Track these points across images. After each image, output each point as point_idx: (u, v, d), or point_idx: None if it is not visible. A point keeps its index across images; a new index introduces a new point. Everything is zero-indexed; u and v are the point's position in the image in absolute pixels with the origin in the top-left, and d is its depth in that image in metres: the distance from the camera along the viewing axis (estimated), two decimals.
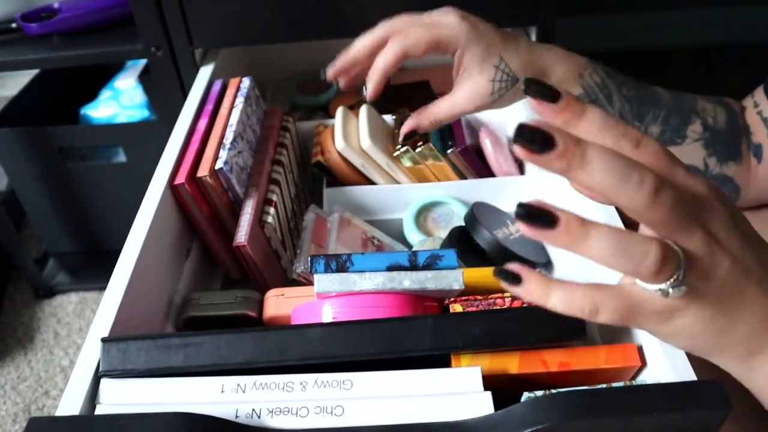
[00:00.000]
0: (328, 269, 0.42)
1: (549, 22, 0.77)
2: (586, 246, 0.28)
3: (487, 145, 0.73)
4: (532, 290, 0.31)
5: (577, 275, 0.57)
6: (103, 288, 0.45)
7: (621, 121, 0.31)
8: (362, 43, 0.58)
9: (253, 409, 0.35)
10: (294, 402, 0.36)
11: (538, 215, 0.28)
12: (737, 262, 0.31)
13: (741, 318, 0.32)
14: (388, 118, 0.77)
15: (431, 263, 0.42)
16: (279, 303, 0.52)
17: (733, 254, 0.31)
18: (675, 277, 0.29)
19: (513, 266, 0.32)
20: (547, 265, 0.65)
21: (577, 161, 0.27)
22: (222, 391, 0.37)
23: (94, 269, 1.23)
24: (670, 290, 0.30)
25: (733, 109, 0.61)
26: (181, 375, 0.38)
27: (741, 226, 0.32)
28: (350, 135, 0.71)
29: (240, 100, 0.66)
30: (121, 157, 1.06)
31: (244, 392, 0.37)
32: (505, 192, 0.73)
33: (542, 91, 0.30)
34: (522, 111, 0.70)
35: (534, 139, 0.27)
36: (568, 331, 0.39)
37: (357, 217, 0.64)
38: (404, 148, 0.70)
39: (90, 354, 0.40)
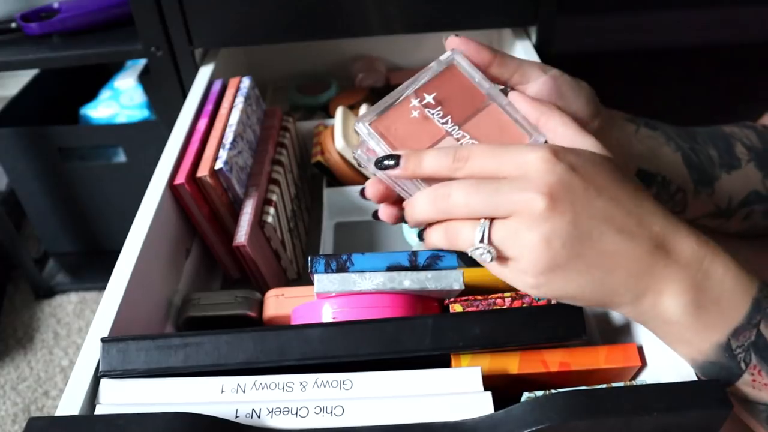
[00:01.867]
0: (328, 269, 0.42)
1: (549, 22, 0.77)
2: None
3: None
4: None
5: None
6: (102, 288, 0.45)
7: (450, 150, 0.37)
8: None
9: (253, 409, 0.35)
10: (294, 402, 0.36)
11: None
12: (581, 216, 0.33)
13: (611, 267, 0.34)
14: None
15: (431, 263, 0.42)
16: (279, 303, 0.52)
17: (574, 211, 0.33)
18: (479, 239, 0.35)
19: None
20: None
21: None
22: (222, 391, 0.37)
23: (94, 269, 1.23)
24: (481, 252, 0.35)
25: (758, 129, 0.60)
26: (181, 375, 0.38)
27: (587, 179, 0.34)
28: (350, 135, 0.71)
29: (240, 100, 0.66)
30: (121, 157, 1.06)
31: (244, 392, 0.37)
32: None
33: (390, 162, 0.39)
34: None
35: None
36: (568, 331, 0.39)
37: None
38: None
39: (90, 354, 0.40)
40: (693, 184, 0.54)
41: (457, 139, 0.40)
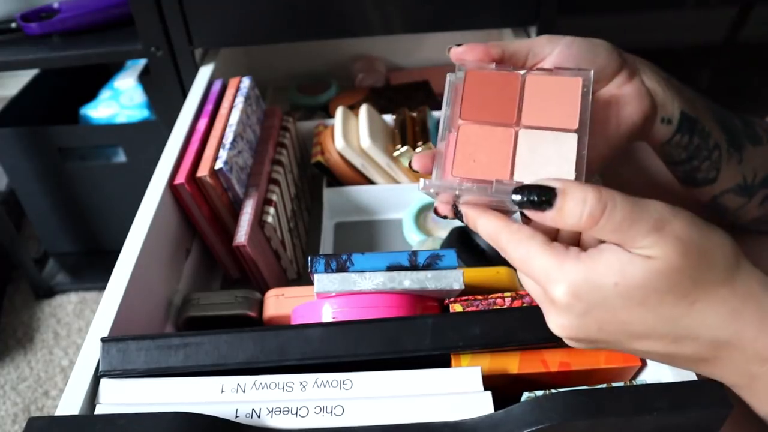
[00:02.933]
0: (328, 269, 0.42)
1: (549, 22, 0.77)
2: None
3: None
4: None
5: None
6: (102, 288, 0.45)
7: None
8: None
9: (253, 409, 0.35)
10: (294, 402, 0.36)
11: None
12: (604, 332, 0.32)
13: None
14: (388, 118, 0.77)
15: (431, 263, 0.42)
16: (279, 303, 0.52)
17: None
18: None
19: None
20: None
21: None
22: (222, 391, 0.37)
23: (93, 269, 1.23)
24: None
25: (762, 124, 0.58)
26: (181, 375, 0.38)
27: (602, 326, 0.32)
28: (350, 135, 0.71)
29: (240, 100, 0.66)
30: (121, 157, 1.06)
31: (244, 392, 0.37)
32: None
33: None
34: None
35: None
36: None
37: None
38: (404, 148, 0.70)
39: (90, 354, 0.40)
40: (726, 144, 0.50)
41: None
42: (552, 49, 0.41)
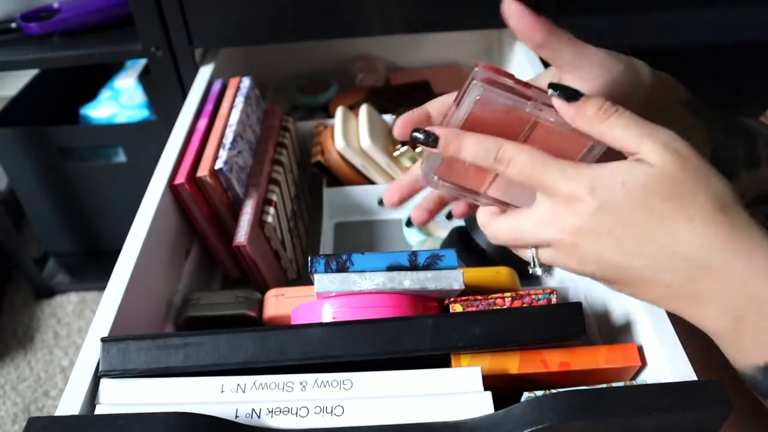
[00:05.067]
0: (328, 269, 0.42)
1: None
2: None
3: None
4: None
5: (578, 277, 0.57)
6: (102, 288, 0.45)
7: (489, 152, 0.37)
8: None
9: (253, 409, 0.35)
10: (294, 402, 0.36)
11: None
12: (606, 255, 0.35)
13: (645, 288, 0.36)
14: (388, 118, 0.77)
15: (431, 263, 0.42)
16: (279, 303, 0.52)
17: (599, 250, 0.35)
18: (532, 264, 0.39)
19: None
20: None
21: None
22: (222, 391, 0.37)
23: (93, 269, 1.23)
24: (538, 271, 0.39)
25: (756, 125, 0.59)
26: (181, 375, 0.38)
27: (613, 223, 0.34)
28: (350, 135, 0.71)
29: (240, 100, 0.66)
30: (121, 157, 1.06)
31: (244, 392, 0.37)
32: None
33: (423, 138, 0.38)
34: None
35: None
36: (568, 331, 0.39)
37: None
38: (404, 148, 0.70)
39: (90, 354, 0.40)
40: None
41: None
42: (596, 77, 0.40)
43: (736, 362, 0.36)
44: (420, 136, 0.38)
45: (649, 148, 0.34)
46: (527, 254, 0.39)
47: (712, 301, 0.34)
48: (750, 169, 0.53)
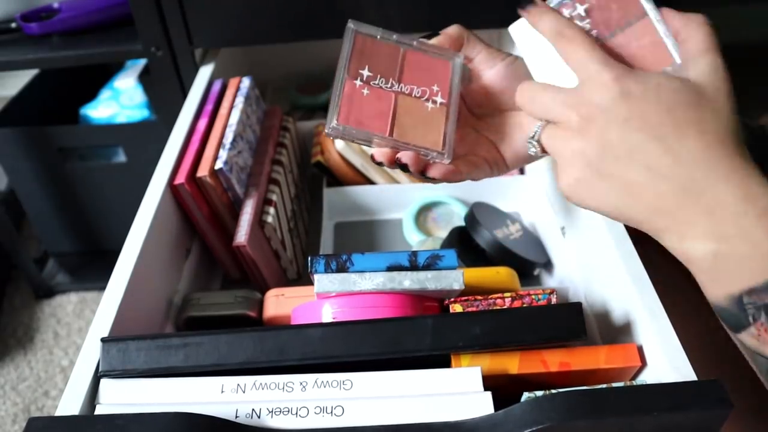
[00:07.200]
0: (328, 269, 0.42)
1: None
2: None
3: None
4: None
5: (578, 275, 0.57)
6: (103, 288, 0.45)
7: (570, 26, 0.38)
8: None
9: (253, 409, 0.35)
10: (294, 402, 0.36)
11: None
12: (610, 145, 0.35)
13: (633, 198, 0.36)
14: None
15: (431, 263, 0.42)
16: (279, 303, 0.52)
17: (606, 137, 0.35)
18: (532, 136, 0.40)
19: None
20: (547, 264, 0.65)
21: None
22: (222, 391, 0.37)
23: (93, 269, 1.23)
24: (529, 147, 0.40)
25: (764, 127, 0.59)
26: (180, 375, 0.38)
27: (629, 113, 0.35)
28: None
29: (240, 100, 0.66)
30: (121, 157, 1.06)
31: (244, 392, 0.37)
32: (505, 192, 0.73)
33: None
34: None
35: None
36: (568, 331, 0.39)
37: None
38: None
39: (90, 354, 0.40)
40: None
41: (416, 95, 0.43)
42: (493, 65, 0.45)
43: (711, 294, 0.36)
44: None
45: (704, 60, 0.36)
46: (531, 128, 0.40)
47: (699, 219, 0.34)
48: None
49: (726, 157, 0.34)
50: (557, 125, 0.38)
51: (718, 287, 0.35)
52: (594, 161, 0.36)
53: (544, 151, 0.40)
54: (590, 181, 0.36)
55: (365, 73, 0.43)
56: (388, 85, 0.43)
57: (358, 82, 0.42)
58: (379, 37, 0.44)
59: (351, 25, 0.44)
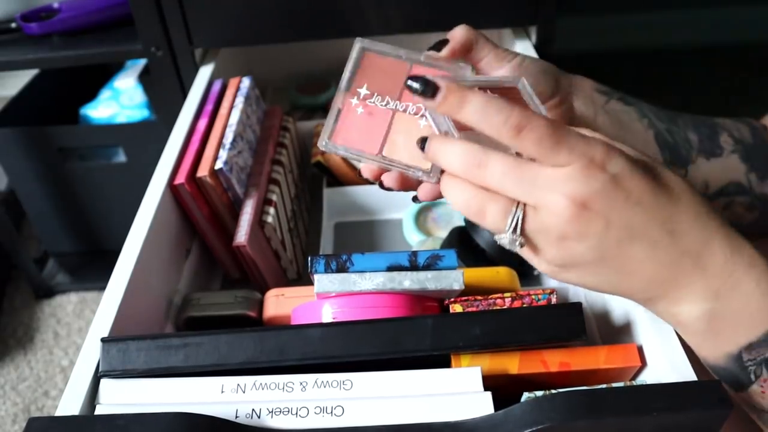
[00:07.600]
0: (328, 269, 0.42)
1: (548, 22, 0.77)
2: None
3: None
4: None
5: None
6: (103, 288, 0.45)
7: (504, 108, 0.33)
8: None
9: (253, 409, 0.35)
10: (294, 402, 0.36)
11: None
12: (614, 226, 0.32)
13: (631, 272, 0.34)
14: None
15: (431, 263, 0.42)
16: (279, 303, 0.52)
17: (608, 219, 0.32)
18: (510, 223, 0.34)
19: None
20: None
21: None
22: (222, 391, 0.37)
23: (93, 269, 1.23)
24: (511, 237, 0.34)
25: (754, 125, 0.59)
26: (181, 375, 0.38)
27: (627, 191, 0.33)
28: None
29: (240, 100, 0.66)
30: (121, 157, 1.06)
31: (244, 392, 0.37)
32: None
33: (421, 87, 0.34)
34: None
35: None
36: (568, 331, 0.39)
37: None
38: None
39: (90, 354, 0.40)
40: (665, 161, 0.53)
41: (411, 112, 0.42)
42: (501, 66, 0.45)
43: (709, 355, 0.36)
44: (416, 85, 0.34)
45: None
46: (505, 219, 0.34)
47: (695, 280, 0.34)
48: (710, 158, 0.54)
49: (711, 211, 0.34)
50: (541, 210, 0.33)
51: (716, 348, 0.35)
52: (595, 247, 0.33)
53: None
54: (586, 266, 0.34)
55: (363, 91, 0.42)
56: (384, 103, 0.42)
57: (354, 101, 0.42)
58: (387, 53, 0.43)
59: (359, 43, 0.43)
